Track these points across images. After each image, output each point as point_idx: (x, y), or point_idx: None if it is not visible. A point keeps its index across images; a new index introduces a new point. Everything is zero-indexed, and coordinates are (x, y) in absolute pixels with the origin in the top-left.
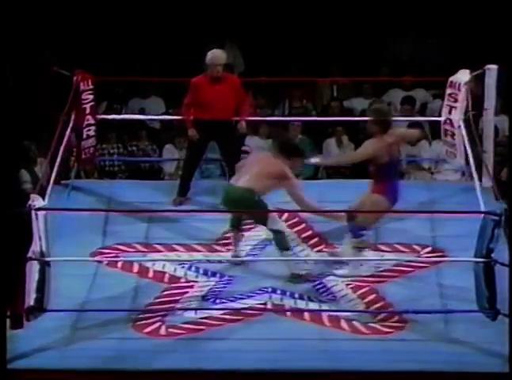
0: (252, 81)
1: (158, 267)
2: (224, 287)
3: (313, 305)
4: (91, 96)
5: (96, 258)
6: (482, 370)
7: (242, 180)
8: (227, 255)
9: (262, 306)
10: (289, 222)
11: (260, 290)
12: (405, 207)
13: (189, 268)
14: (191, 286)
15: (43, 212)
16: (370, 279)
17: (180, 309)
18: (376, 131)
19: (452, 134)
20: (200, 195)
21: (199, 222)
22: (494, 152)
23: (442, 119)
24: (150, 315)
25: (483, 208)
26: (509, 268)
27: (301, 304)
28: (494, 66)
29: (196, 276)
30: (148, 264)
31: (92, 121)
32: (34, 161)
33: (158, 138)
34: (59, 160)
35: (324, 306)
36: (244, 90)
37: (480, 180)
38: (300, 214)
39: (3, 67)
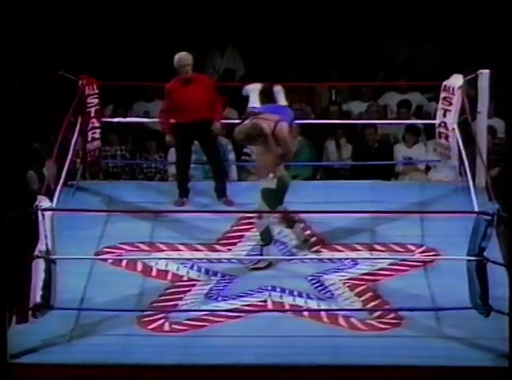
0: None
1: (162, 266)
2: (225, 286)
3: (312, 303)
4: (96, 100)
5: (101, 257)
6: (475, 365)
7: None
8: (227, 254)
9: (262, 304)
10: None
11: (260, 288)
12: (400, 207)
13: (192, 267)
14: (193, 285)
15: (49, 212)
16: (366, 277)
17: (184, 310)
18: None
19: (447, 137)
20: (203, 195)
21: (201, 221)
22: (492, 152)
23: (437, 121)
24: (154, 312)
25: (476, 208)
26: (508, 268)
27: (300, 301)
28: (486, 71)
29: (198, 275)
30: (152, 263)
31: (97, 124)
32: (42, 162)
33: (162, 140)
34: (68, 162)
35: (322, 304)
36: (216, 90)
37: (474, 180)
38: (299, 214)
39: (11, 70)
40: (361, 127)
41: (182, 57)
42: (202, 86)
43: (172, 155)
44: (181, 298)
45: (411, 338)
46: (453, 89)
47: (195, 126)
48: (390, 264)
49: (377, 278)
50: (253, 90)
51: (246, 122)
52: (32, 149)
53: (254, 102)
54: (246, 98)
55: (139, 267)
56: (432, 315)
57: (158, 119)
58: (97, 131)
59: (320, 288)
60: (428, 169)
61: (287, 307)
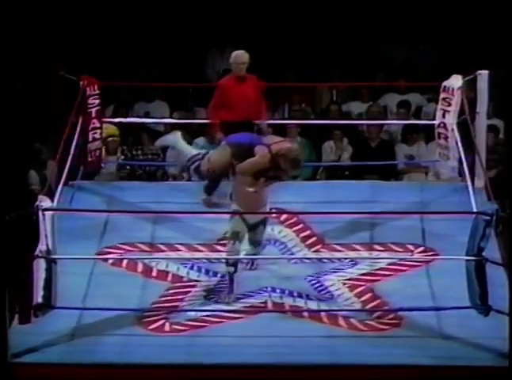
0: None
1: (162, 266)
2: (225, 287)
3: (311, 304)
4: (97, 101)
5: (101, 257)
6: (475, 364)
7: None
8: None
9: (262, 305)
10: (288, 222)
11: (260, 289)
12: (399, 207)
13: (192, 268)
14: (193, 286)
15: (50, 212)
16: (366, 277)
17: (184, 310)
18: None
19: (446, 137)
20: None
21: (201, 222)
22: (493, 151)
23: (436, 122)
24: (154, 312)
25: (474, 208)
26: (507, 268)
27: (300, 302)
28: (485, 71)
29: (199, 275)
30: (152, 264)
31: (98, 125)
32: (44, 163)
33: (155, 134)
34: (69, 162)
35: (322, 305)
36: (262, 91)
37: (473, 181)
38: (300, 214)
39: (12, 71)
40: (365, 127)
41: (240, 55)
42: (253, 86)
43: (171, 155)
44: (181, 300)
45: (411, 338)
46: (453, 89)
47: (244, 124)
48: (389, 264)
49: (376, 278)
50: (177, 140)
51: (260, 154)
52: (34, 149)
53: (190, 150)
54: None
55: (140, 267)
56: (431, 315)
57: (209, 117)
58: (98, 131)
59: (320, 289)
60: (428, 168)
61: (287, 308)
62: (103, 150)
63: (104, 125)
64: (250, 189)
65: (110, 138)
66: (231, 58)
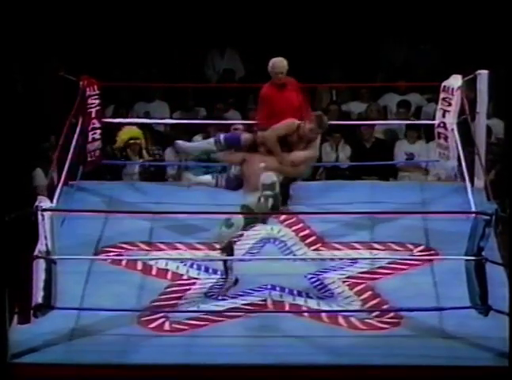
0: (253, 87)
1: (161, 264)
2: (225, 284)
3: (311, 302)
4: (97, 101)
5: (101, 256)
6: (475, 364)
7: None
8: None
9: (262, 303)
10: (287, 222)
11: (260, 287)
12: (399, 207)
13: (191, 266)
14: (193, 284)
15: (49, 213)
16: (366, 275)
17: (184, 311)
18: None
19: (446, 137)
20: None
21: (201, 221)
22: (488, 152)
23: (436, 122)
24: (154, 311)
25: (473, 208)
26: (508, 268)
27: (300, 300)
28: (485, 71)
29: (198, 273)
30: (151, 262)
31: (97, 125)
32: (51, 162)
33: (161, 140)
34: (68, 162)
35: (322, 303)
36: (302, 92)
37: (472, 180)
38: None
39: (13, 71)
40: (359, 126)
41: (277, 64)
42: (295, 90)
43: (170, 155)
44: (181, 297)
45: (411, 337)
46: (452, 89)
47: None
48: (389, 263)
49: (376, 276)
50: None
51: (287, 120)
52: (41, 148)
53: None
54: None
55: (139, 266)
56: (431, 314)
57: (259, 128)
58: (98, 131)
59: (320, 287)
60: (428, 168)
61: (287, 306)
62: (128, 152)
63: (126, 127)
64: (262, 165)
65: (132, 141)
66: (268, 66)
